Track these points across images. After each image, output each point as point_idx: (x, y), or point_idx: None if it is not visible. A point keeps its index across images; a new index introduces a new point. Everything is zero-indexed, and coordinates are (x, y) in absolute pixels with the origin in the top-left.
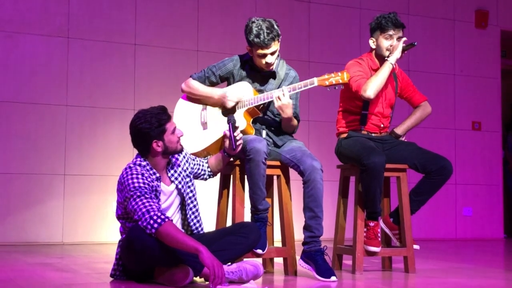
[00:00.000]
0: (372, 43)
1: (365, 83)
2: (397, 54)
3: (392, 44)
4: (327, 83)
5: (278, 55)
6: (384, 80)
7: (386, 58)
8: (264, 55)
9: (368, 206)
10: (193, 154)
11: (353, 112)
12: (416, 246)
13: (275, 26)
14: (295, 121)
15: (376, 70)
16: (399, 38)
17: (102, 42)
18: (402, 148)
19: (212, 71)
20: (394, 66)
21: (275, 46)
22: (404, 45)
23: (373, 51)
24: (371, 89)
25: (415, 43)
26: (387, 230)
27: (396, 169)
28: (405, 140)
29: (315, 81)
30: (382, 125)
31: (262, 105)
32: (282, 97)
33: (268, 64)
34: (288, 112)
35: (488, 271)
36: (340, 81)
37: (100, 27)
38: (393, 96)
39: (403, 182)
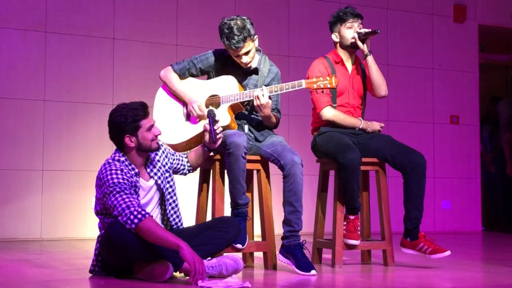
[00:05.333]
0: (335, 37)
1: (327, 109)
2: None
3: (356, 31)
4: (315, 86)
5: (260, 50)
6: (343, 124)
7: (358, 128)
8: (239, 56)
9: (347, 203)
10: (173, 145)
11: None
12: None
13: (247, 26)
14: (273, 118)
15: (338, 63)
16: (360, 26)
17: (80, 36)
18: (376, 141)
19: (193, 63)
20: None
21: (248, 46)
22: (369, 30)
23: (337, 45)
24: (329, 117)
25: (378, 31)
26: (412, 252)
27: (374, 163)
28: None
29: (303, 83)
30: (352, 116)
31: (246, 101)
32: (261, 97)
33: (245, 64)
34: (265, 112)
35: (466, 264)
36: (328, 86)
37: (78, 21)
38: (361, 87)
39: (381, 176)
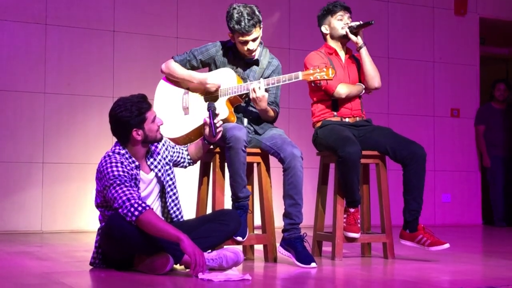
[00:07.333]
0: (325, 30)
1: (340, 86)
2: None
3: (348, 24)
4: (311, 78)
5: (261, 43)
6: (356, 93)
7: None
8: (246, 42)
9: (347, 196)
10: (174, 139)
11: (324, 100)
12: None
13: (257, 12)
14: (271, 112)
15: (332, 54)
16: (349, 19)
17: (80, 28)
18: (376, 133)
19: (194, 55)
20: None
21: (257, 32)
22: (361, 22)
23: (328, 37)
24: (344, 93)
25: (372, 22)
26: (411, 244)
27: (375, 156)
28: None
29: (300, 75)
30: (352, 107)
31: (244, 94)
32: (257, 90)
33: (250, 51)
34: (261, 105)
35: (466, 257)
36: (325, 77)
37: (78, 14)
38: (356, 76)
39: (382, 169)
